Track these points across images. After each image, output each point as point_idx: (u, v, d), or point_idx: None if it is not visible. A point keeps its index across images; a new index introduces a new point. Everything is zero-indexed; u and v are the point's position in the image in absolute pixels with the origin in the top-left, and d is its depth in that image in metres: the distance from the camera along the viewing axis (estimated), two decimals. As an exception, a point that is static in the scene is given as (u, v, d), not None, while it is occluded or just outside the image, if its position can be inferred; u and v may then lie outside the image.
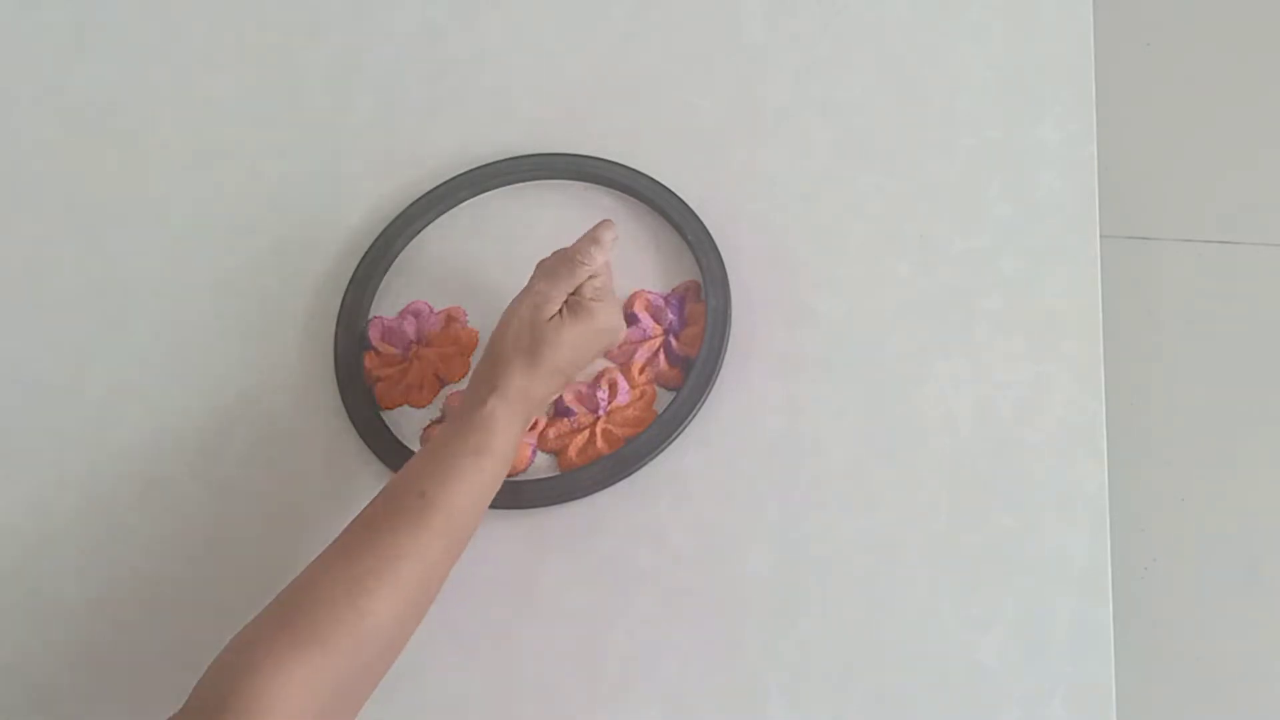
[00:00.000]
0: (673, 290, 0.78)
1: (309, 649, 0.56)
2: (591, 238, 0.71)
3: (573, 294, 0.69)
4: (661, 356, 0.76)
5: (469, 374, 0.77)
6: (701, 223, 0.78)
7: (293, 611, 0.58)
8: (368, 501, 0.73)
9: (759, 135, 0.82)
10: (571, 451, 0.74)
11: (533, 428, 0.74)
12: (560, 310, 0.69)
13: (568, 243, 0.80)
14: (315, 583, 0.59)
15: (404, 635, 0.60)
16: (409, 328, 0.78)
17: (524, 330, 0.68)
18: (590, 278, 0.70)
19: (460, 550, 0.64)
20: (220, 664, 0.56)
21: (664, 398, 0.75)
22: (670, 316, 0.76)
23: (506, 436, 0.66)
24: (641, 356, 0.76)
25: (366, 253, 0.80)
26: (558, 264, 0.70)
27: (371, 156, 0.85)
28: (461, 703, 0.69)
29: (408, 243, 0.81)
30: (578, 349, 0.69)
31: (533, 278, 0.71)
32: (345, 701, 0.57)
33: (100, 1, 0.94)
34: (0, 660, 0.73)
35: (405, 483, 0.63)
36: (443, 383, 0.77)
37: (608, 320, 0.70)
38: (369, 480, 0.74)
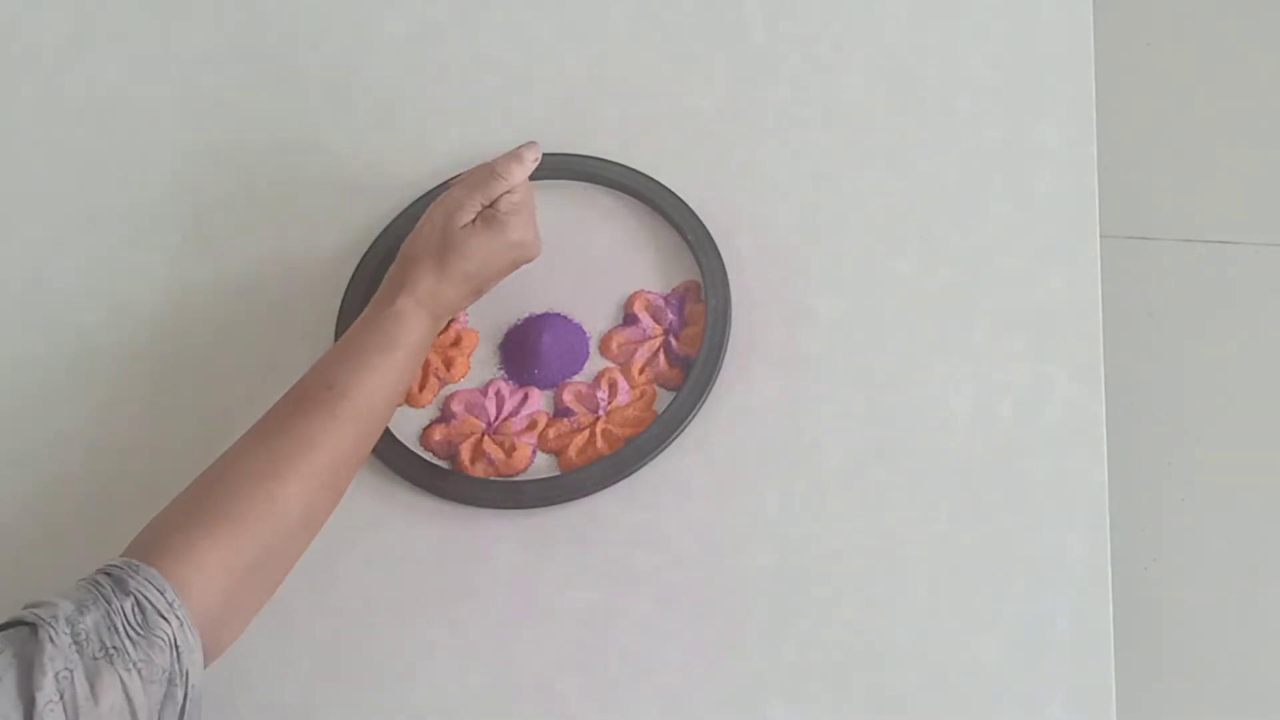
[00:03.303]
0: (673, 290, 0.78)
1: (219, 529, 0.59)
2: (514, 155, 0.73)
3: (488, 206, 0.71)
4: (661, 356, 0.76)
5: (468, 374, 0.77)
6: (701, 223, 0.78)
7: (205, 495, 0.62)
8: (367, 499, 0.73)
9: (759, 135, 0.82)
10: (571, 451, 0.74)
11: (531, 427, 0.74)
12: (474, 220, 0.70)
13: (567, 242, 0.80)
14: (229, 468, 0.63)
15: (315, 520, 0.64)
16: (409, 328, 0.78)
17: (435, 234, 0.70)
18: (507, 193, 0.71)
19: (372, 441, 0.68)
20: (136, 544, 0.59)
21: (664, 398, 0.75)
22: (670, 316, 0.76)
23: (417, 333, 0.69)
24: (641, 356, 0.76)
25: (366, 253, 0.80)
26: (476, 175, 0.72)
27: (371, 156, 0.85)
28: (461, 703, 0.69)
29: (408, 243, 0.81)
30: (488, 259, 0.71)
31: (451, 186, 0.73)
32: (256, 580, 0.61)
33: (100, 1, 0.94)
34: None
35: (315, 377, 0.66)
36: (442, 383, 0.77)
37: (520, 234, 0.72)
38: (368, 480, 0.74)
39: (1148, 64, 1.52)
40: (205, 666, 0.57)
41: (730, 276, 0.76)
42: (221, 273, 0.82)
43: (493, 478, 0.73)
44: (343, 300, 0.79)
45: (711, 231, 0.77)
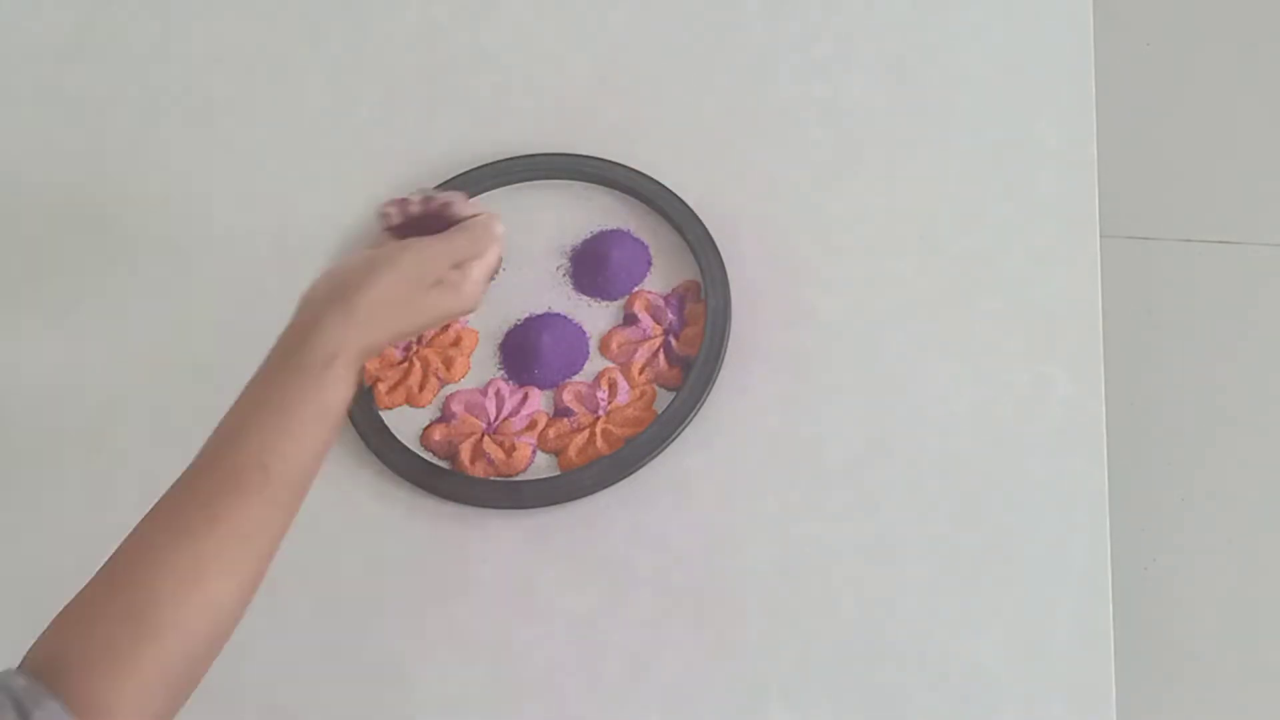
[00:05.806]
0: (673, 290, 0.78)
1: (152, 644, 0.52)
2: (493, 228, 0.65)
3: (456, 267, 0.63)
4: (661, 356, 0.76)
5: (468, 374, 0.77)
6: (701, 223, 0.78)
7: (131, 599, 0.54)
8: (367, 499, 0.72)
9: (759, 135, 0.82)
10: (571, 451, 0.73)
11: (531, 427, 0.74)
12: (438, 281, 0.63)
13: (566, 243, 0.80)
14: (154, 565, 0.55)
15: (242, 611, 0.57)
16: (409, 328, 0.78)
17: (401, 287, 0.61)
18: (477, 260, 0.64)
19: (296, 512, 0.59)
20: (53, 653, 0.53)
21: (664, 398, 0.75)
22: (670, 316, 0.76)
23: (350, 392, 0.60)
24: (641, 356, 0.76)
25: (366, 253, 0.80)
26: (462, 240, 0.64)
27: (372, 156, 0.85)
28: (461, 703, 0.69)
29: (408, 243, 0.81)
30: (435, 321, 0.65)
31: (421, 241, 0.63)
32: (185, 684, 0.54)
33: (100, 1, 0.94)
34: (1, 662, 0.72)
35: (242, 455, 0.57)
36: (442, 383, 0.77)
37: (476, 302, 0.64)
38: (369, 480, 0.74)
39: (1148, 64, 1.52)
40: None
41: (730, 276, 0.76)
42: (222, 272, 0.82)
43: (493, 478, 0.73)
44: (343, 300, 0.79)
45: (711, 231, 0.77)
